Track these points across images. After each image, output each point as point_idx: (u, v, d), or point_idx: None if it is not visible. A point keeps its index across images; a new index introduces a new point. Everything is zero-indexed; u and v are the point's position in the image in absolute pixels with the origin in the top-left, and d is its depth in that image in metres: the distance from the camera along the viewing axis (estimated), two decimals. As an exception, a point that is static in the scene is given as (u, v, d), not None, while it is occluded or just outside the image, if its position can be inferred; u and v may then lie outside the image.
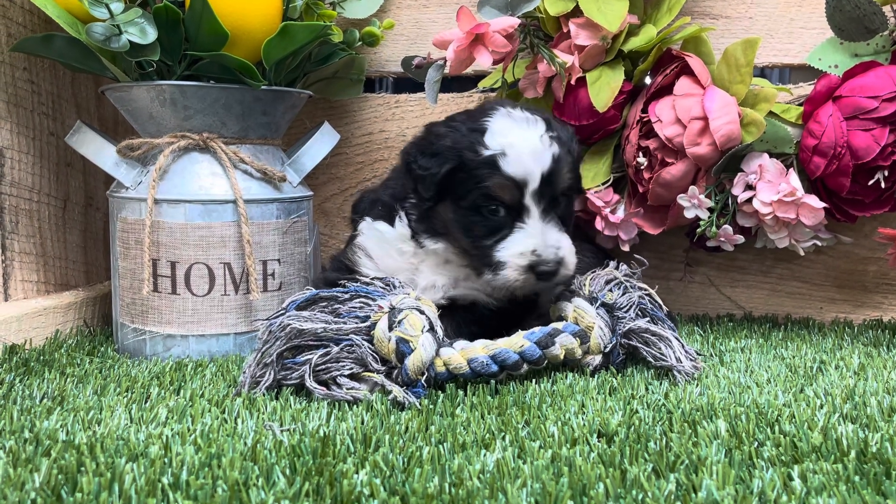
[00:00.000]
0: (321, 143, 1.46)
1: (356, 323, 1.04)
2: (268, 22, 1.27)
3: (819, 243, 1.45)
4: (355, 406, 1.00)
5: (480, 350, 1.08)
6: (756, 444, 0.87)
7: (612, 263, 1.33)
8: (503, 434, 0.90)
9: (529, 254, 1.13)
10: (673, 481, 0.76)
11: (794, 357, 1.30)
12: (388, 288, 1.15)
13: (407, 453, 0.83)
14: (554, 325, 1.17)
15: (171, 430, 0.92)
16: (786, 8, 1.55)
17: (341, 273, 1.27)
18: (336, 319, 1.05)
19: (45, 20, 1.47)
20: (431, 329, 1.06)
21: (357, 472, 0.78)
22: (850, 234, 1.53)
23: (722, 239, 1.43)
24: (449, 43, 1.31)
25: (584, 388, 1.09)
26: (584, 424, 0.93)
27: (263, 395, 1.04)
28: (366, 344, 1.03)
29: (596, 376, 1.15)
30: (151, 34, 1.22)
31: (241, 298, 1.33)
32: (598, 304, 1.18)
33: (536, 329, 1.15)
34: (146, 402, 1.05)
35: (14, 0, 1.40)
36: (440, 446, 0.86)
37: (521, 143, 1.13)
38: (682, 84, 1.39)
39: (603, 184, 1.50)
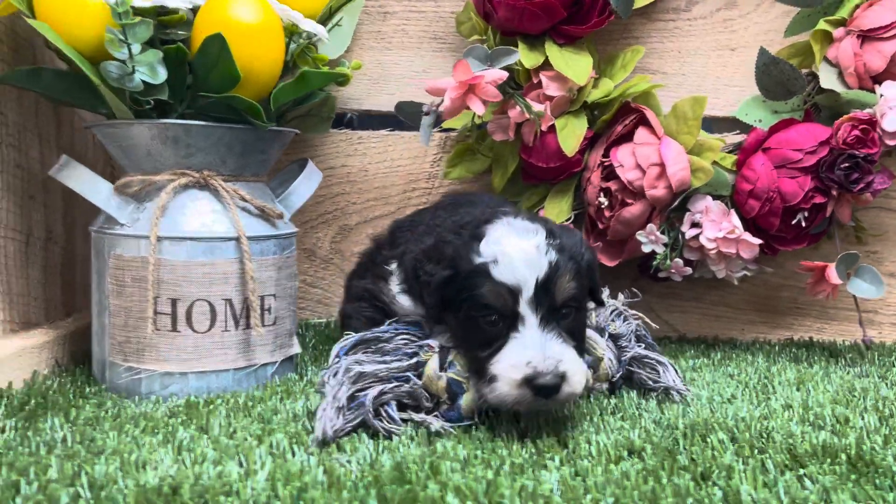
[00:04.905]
0: (308, 182, 1.50)
1: (407, 360, 1.11)
2: (275, 65, 1.31)
3: (748, 273, 1.66)
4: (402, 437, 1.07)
5: None
6: (757, 451, 1.02)
7: (606, 291, 1.43)
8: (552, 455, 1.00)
9: (524, 365, 1.02)
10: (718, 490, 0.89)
11: (740, 374, 1.49)
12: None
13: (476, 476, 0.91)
14: None
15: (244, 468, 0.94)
16: (713, 68, 1.78)
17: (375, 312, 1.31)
18: (391, 358, 1.10)
19: (13, 49, 1.42)
20: None
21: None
22: (769, 264, 1.76)
23: (673, 271, 1.62)
24: (441, 90, 1.41)
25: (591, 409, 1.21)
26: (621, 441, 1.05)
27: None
28: (419, 382, 1.10)
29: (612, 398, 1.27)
30: (162, 74, 1.22)
31: (240, 334, 1.34)
32: (606, 336, 1.30)
33: None
34: (187, 440, 1.06)
35: (-16, 28, 1.35)
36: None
37: (513, 251, 1.07)
38: (641, 133, 1.56)
39: (566, 220, 1.64)
